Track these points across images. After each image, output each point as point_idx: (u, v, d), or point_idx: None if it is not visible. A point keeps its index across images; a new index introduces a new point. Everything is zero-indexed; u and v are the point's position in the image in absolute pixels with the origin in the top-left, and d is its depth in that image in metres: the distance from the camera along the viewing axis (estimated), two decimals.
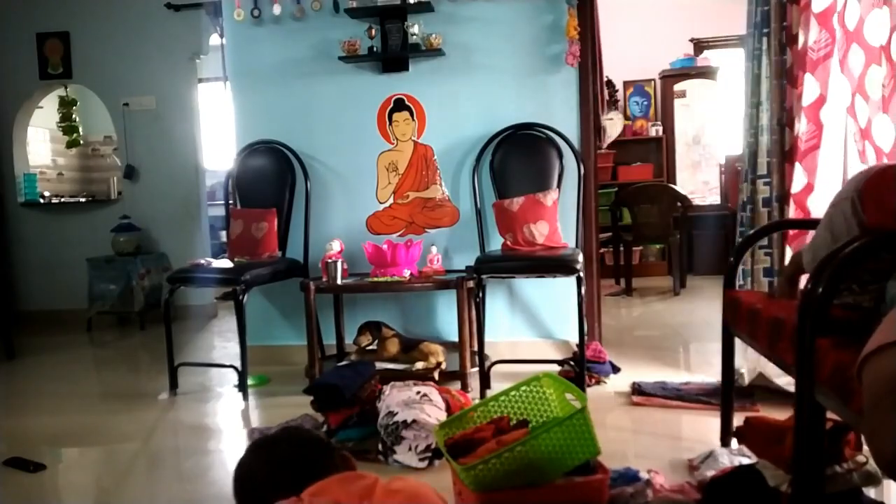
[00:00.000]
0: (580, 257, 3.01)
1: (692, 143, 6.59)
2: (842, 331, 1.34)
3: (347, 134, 3.63)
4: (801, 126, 2.74)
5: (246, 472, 1.40)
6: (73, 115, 5.89)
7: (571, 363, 3.09)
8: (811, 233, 2.68)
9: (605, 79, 5.08)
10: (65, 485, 2.40)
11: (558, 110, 3.43)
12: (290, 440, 1.46)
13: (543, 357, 3.27)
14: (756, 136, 2.99)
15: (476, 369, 3.09)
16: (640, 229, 5.66)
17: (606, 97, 5.53)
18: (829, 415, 1.37)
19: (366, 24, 3.48)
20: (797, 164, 2.77)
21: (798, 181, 2.77)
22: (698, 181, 6.55)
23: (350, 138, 3.63)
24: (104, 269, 5.10)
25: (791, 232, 2.83)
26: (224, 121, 5.27)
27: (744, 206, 3.06)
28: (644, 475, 1.95)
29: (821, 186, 2.77)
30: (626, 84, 6.72)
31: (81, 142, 6.13)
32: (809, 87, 2.70)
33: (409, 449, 2.21)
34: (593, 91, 3.55)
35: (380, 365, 2.98)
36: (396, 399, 2.34)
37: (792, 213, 2.80)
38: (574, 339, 3.21)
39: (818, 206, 2.73)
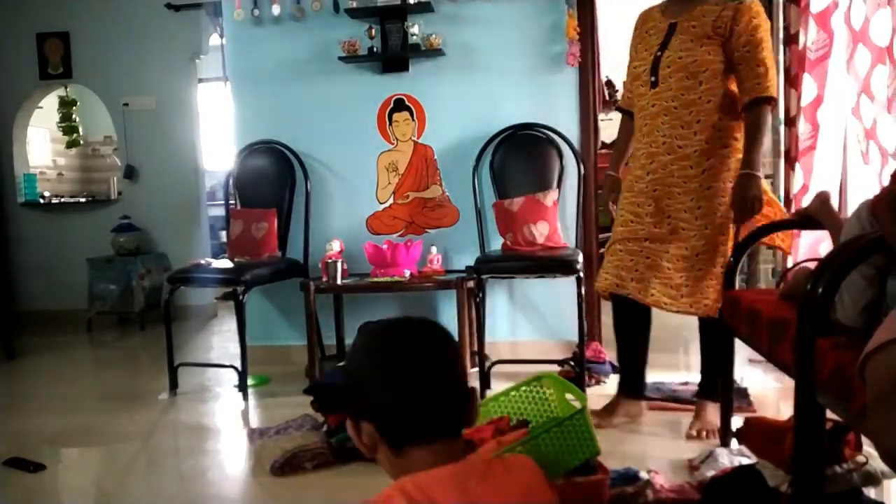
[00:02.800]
0: (580, 257, 3.01)
1: None
2: (842, 331, 1.34)
3: (347, 134, 3.63)
4: (800, 126, 2.74)
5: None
6: (73, 115, 5.88)
7: (571, 363, 3.09)
8: (812, 233, 2.69)
9: (604, 79, 5.08)
10: (65, 485, 2.40)
11: (558, 110, 3.43)
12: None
13: (543, 357, 3.27)
14: None
15: (476, 369, 3.10)
16: None
17: (606, 97, 5.51)
18: (829, 415, 1.37)
19: (366, 24, 3.48)
20: (797, 165, 2.78)
21: (796, 181, 2.78)
22: None
23: (350, 138, 3.62)
24: (104, 269, 5.10)
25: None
26: (224, 121, 5.26)
27: None
28: (644, 475, 1.95)
29: (816, 188, 2.78)
30: None
31: (81, 142, 6.13)
32: (807, 88, 2.70)
33: None
34: (592, 91, 3.55)
35: None
36: None
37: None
38: (574, 338, 3.21)
39: None
